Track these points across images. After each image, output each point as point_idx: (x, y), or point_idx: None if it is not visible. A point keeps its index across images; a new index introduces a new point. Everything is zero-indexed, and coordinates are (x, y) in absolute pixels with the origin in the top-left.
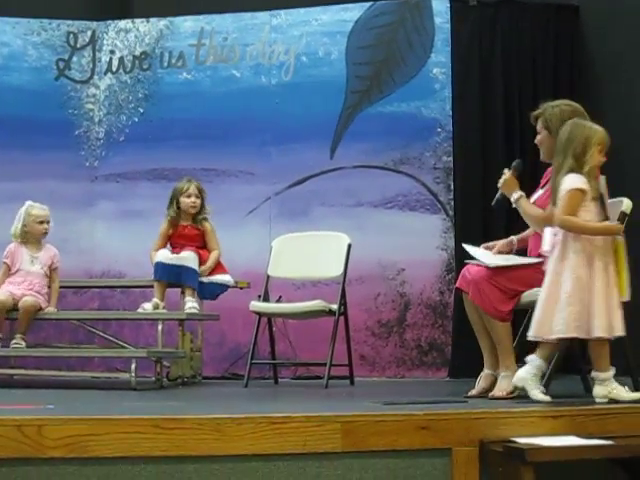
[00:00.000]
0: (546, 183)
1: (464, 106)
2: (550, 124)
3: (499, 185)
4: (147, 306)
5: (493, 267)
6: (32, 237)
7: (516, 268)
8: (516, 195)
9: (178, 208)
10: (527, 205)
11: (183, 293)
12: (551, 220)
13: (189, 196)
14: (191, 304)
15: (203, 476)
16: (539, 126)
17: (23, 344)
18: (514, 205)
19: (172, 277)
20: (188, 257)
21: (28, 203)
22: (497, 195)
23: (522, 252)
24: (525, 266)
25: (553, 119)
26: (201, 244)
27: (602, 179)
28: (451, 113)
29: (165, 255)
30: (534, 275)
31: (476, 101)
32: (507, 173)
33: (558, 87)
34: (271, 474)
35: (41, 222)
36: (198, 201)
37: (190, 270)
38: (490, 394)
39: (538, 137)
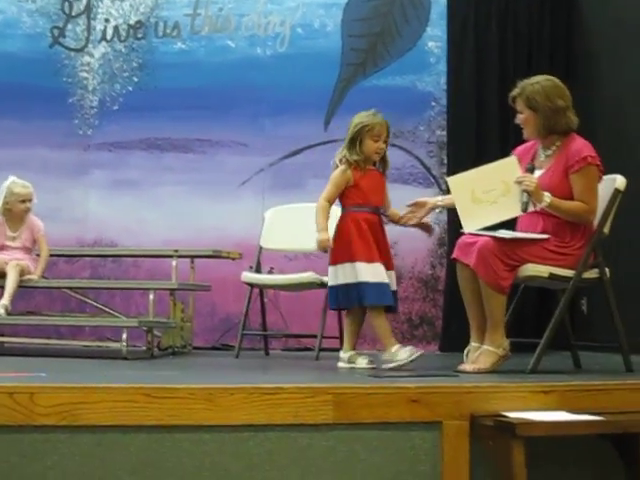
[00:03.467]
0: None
1: (459, 80)
2: (535, 102)
3: (529, 190)
4: None
5: (500, 238)
6: (14, 215)
7: (524, 242)
8: (548, 199)
9: (361, 151)
10: (561, 203)
11: None
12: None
13: (377, 139)
14: None
15: (194, 446)
16: (520, 106)
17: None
18: (543, 207)
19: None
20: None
21: (11, 179)
22: (524, 199)
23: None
24: (534, 241)
25: (537, 97)
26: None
27: None
28: (446, 87)
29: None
30: (541, 250)
31: (471, 75)
32: (532, 177)
33: (554, 61)
34: (262, 444)
35: (23, 201)
36: (385, 147)
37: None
38: (460, 366)
39: (521, 117)
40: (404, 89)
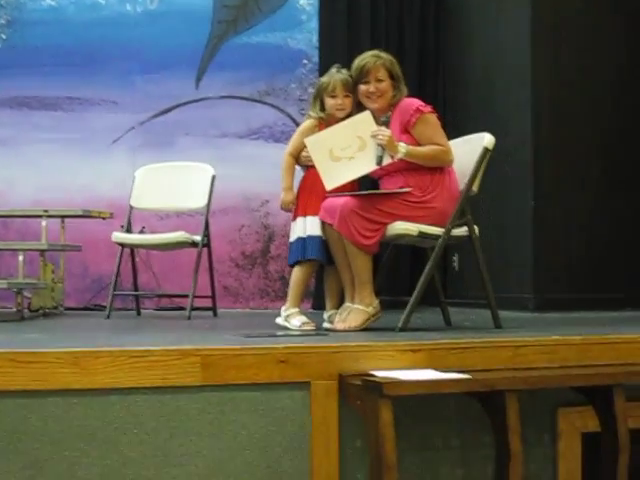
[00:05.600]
0: None
1: (330, 38)
2: (396, 71)
3: (383, 144)
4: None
5: (360, 196)
6: None
7: (384, 197)
8: (404, 149)
9: (323, 109)
10: (418, 149)
11: None
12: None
13: (333, 95)
14: None
15: (62, 410)
16: (382, 73)
17: None
18: (400, 157)
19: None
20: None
21: None
22: (378, 154)
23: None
24: (394, 195)
25: (396, 67)
26: None
27: None
28: (317, 45)
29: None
30: (402, 203)
31: (342, 33)
32: (385, 130)
33: (425, 19)
34: (130, 408)
35: None
36: (348, 102)
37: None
38: (333, 325)
39: (381, 85)
40: (276, 47)
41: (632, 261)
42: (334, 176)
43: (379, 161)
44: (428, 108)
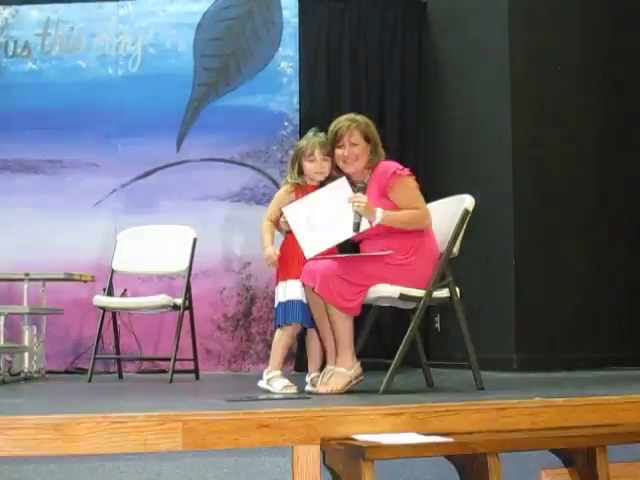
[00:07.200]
0: None
1: (311, 100)
2: (372, 134)
3: (359, 211)
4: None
5: (341, 259)
6: None
7: (366, 260)
8: (381, 214)
9: (301, 173)
10: (395, 214)
11: None
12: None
13: (312, 159)
14: None
15: (43, 477)
16: (356, 137)
17: None
18: (378, 223)
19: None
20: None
21: None
22: (355, 220)
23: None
24: (376, 258)
25: (372, 129)
26: None
27: None
28: (298, 107)
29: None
30: (384, 266)
31: (323, 95)
32: (361, 197)
33: (405, 81)
34: (111, 474)
35: None
36: (327, 165)
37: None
38: (315, 388)
39: (355, 149)
40: (257, 109)
41: (613, 321)
42: (313, 244)
43: (356, 228)
44: (406, 171)
